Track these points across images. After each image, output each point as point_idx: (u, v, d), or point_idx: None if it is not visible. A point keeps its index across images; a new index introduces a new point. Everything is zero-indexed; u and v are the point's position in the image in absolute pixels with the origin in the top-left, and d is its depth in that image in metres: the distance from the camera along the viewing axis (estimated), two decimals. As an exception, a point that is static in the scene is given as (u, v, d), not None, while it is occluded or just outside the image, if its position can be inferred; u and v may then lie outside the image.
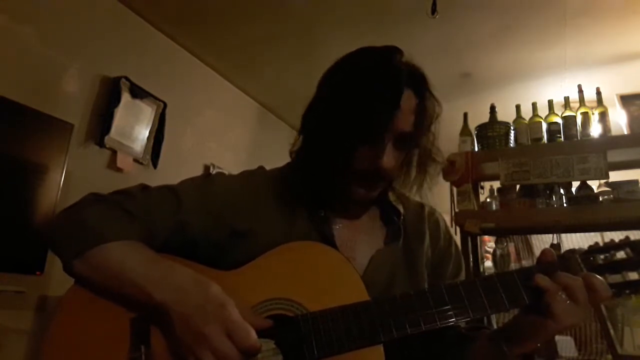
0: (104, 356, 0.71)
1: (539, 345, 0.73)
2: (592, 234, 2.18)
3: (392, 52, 0.82)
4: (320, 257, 0.78)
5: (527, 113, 2.42)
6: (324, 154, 0.81)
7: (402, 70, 0.80)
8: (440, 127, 0.88)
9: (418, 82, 0.82)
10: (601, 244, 0.76)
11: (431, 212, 0.99)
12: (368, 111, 0.76)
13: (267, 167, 0.96)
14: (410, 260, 0.89)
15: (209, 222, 0.82)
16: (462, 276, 0.96)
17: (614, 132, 2.24)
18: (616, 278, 0.71)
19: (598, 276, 0.70)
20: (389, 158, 0.79)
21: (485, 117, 2.49)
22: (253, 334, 0.66)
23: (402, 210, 0.93)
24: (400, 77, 0.79)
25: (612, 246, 0.74)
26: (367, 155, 0.79)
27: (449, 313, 0.71)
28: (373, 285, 0.77)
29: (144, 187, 0.85)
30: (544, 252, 0.76)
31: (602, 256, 0.73)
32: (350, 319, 0.71)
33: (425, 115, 0.83)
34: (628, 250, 0.72)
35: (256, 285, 0.76)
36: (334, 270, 0.77)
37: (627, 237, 0.73)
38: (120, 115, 2.65)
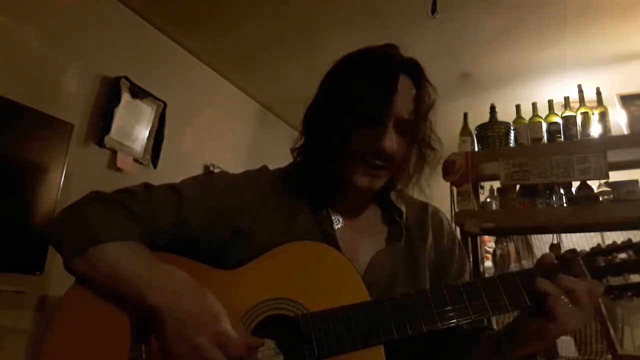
0: (105, 355, 0.71)
1: (539, 347, 0.73)
2: (592, 234, 2.18)
3: (388, 46, 0.88)
4: (322, 257, 0.78)
5: (527, 113, 2.42)
6: (325, 141, 0.83)
7: (398, 58, 0.85)
8: (438, 121, 0.90)
9: (414, 70, 0.86)
10: (601, 244, 0.76)
11: (435, 211, 0.99)
12: (367, 95, 0.79)
13: (268, 167, 0.96)
14: (412, 260, 0.89)
15: (210, 221, 0.82)
16: (467, 276, 0.95)
17: (614, 132, 2.24)
18: (618, 280, 0.71)
19: (601, 285, 0.70)
20: (390, 140, 0.80)
21: (485, 117, 2.49)
22: (245, 346, 0.67)
23: (404, 210, 0.93)
24: (397, 64, 0.83)
25: (614, 248, 0.73)
26: (369, 137, 0.80)
27: (450, 314, 0.71)
28: (374, 286, 0.77)
29: (146, 186, 0.85)
30: (544, 256, 0.76)
31: (604, 258, 0.73)
32: (351, 319, 0.71)
33: (423, 103, 0.85)
34: (630, 252, 0.72)
35: (257, 284, 0.76)
36: (335, 270, 0.77)
37: (629, 239, 0.73)
38: (120, 115, 2.65)
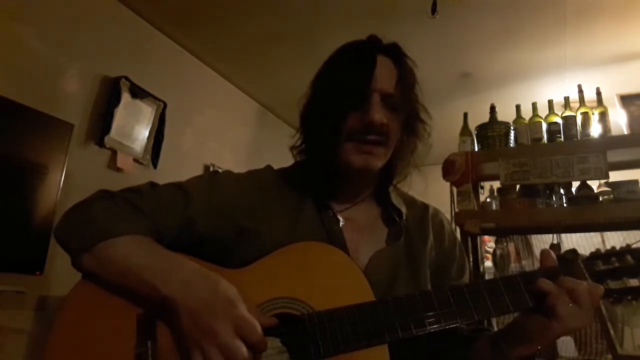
0: (110, 352, 0.71)
1: (539, 347, 0.73)
2: (592, 234, 2.18)
3: (369, 36, 0.92)
4: (326, 257, 0.79)
5: (527, 113, 2.42)
6: (321, 131, 0.86)
7: (376, 43, 0.90)
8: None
9: (393, 51, 0.89)
10: (601, 244, 0.77)
11: (435, 213, 0.99)
12: (348, 75, 0.84)
13: (272, 167, 0.97)
14: (412, 260, 0.89)
15: (216, 221, 0.83)
16: (466, 278, 0.96)
17: (614, 132, 2.24)
18: (617, 284, 0.72)
19: (601, 287, 0.71)
20: (378, 112, 0.83)
21: (485, 117, 2.49)
22: (261, 331, 0.66)
23: (404, 210, 0.93)
24: (374, 46, 0.89)
25: (612, 253, 0.75)
26: (359, 116, 0.84)
27: (454, 315, 0.72)
28: (373, 285, 0.77)
29: (152, 185, 0.85)
30: (544, 255, 0.76)
31: (603, 262, 0.74)
32: (356, 318, 0.72)
33: (406, 77, 0.88)
34: (629, 257, 0.73)
35: (262, 284, 0.76)
36: (340, 270, 0.77)
37: (627, 245, 0.76)
38: (120, 115, 2.65)
